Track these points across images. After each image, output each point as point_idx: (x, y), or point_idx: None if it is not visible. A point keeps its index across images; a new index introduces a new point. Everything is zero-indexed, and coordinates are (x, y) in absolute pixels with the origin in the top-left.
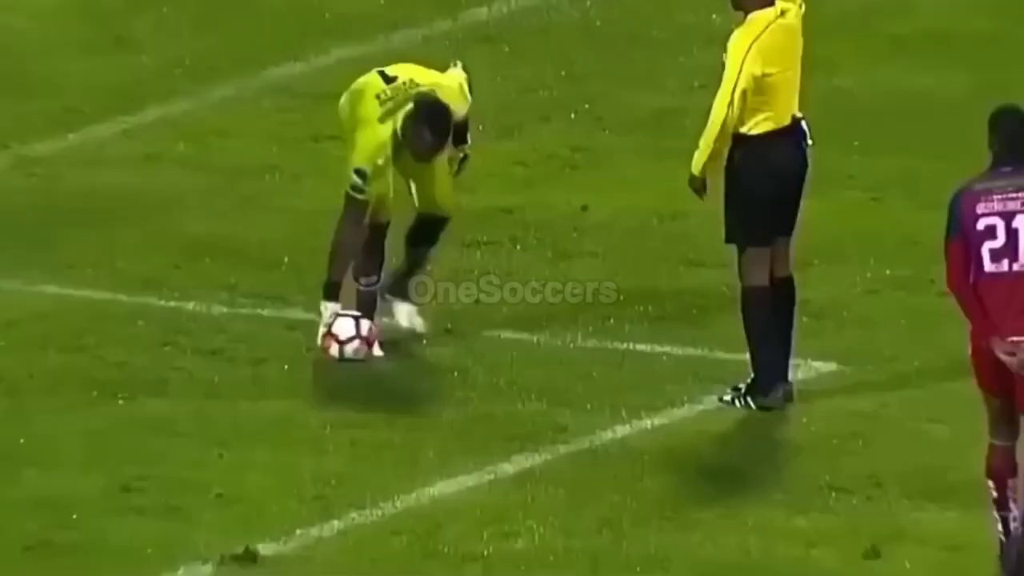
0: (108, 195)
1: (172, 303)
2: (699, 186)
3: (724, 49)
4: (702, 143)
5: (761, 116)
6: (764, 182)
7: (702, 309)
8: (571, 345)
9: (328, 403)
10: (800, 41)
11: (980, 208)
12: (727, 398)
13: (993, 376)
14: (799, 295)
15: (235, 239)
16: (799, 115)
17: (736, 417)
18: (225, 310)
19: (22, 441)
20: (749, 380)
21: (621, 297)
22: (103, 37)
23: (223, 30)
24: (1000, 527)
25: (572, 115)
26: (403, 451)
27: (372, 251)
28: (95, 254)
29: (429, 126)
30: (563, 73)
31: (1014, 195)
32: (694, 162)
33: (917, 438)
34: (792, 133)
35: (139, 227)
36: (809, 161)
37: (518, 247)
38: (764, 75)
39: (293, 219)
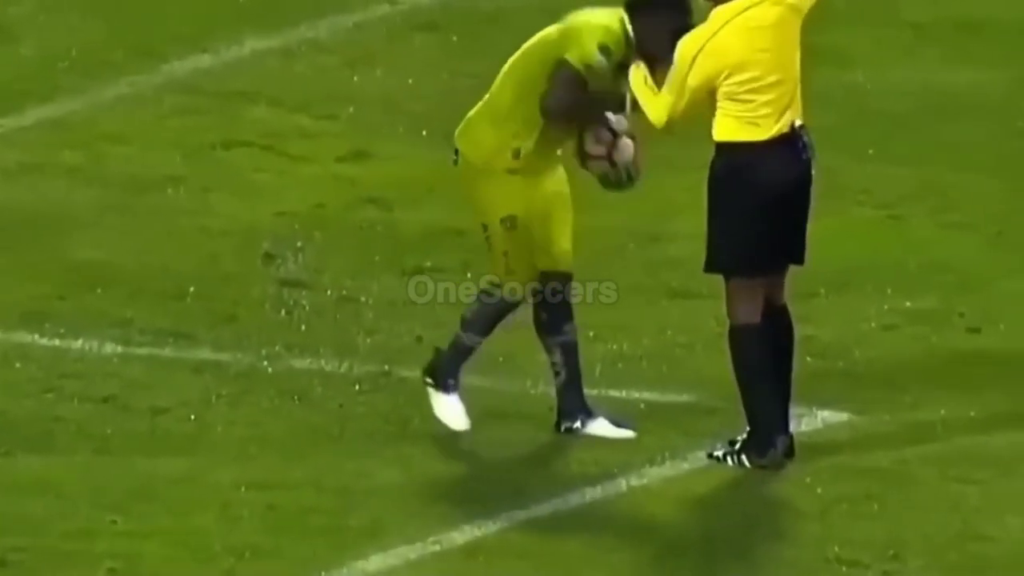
0: None
1: (56, 341)
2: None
3: None
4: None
5: (745, 125)
6: (750, 198)
7: (687, 348)
8: (531, 391)
9: (241, 460)
10: (791, 34)
11: None
12: (717, 454)
13: None
14: (803, 331)
15: (131, 265)
16: (798, 123)
17: (727, 477)
18: (119, 349)
19: None
20: (744, 434)
21: (591, 333)
22: None
23: (116, 16)
24: None
25: None
26: (331, 517)
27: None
28: None
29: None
30: None
31: None
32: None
33: (943, 501)
34: (789, 143)
35: (16, 250)
36: (813, 176)
37: (469, 275)
38: (739, 82)
39: (200, 241)
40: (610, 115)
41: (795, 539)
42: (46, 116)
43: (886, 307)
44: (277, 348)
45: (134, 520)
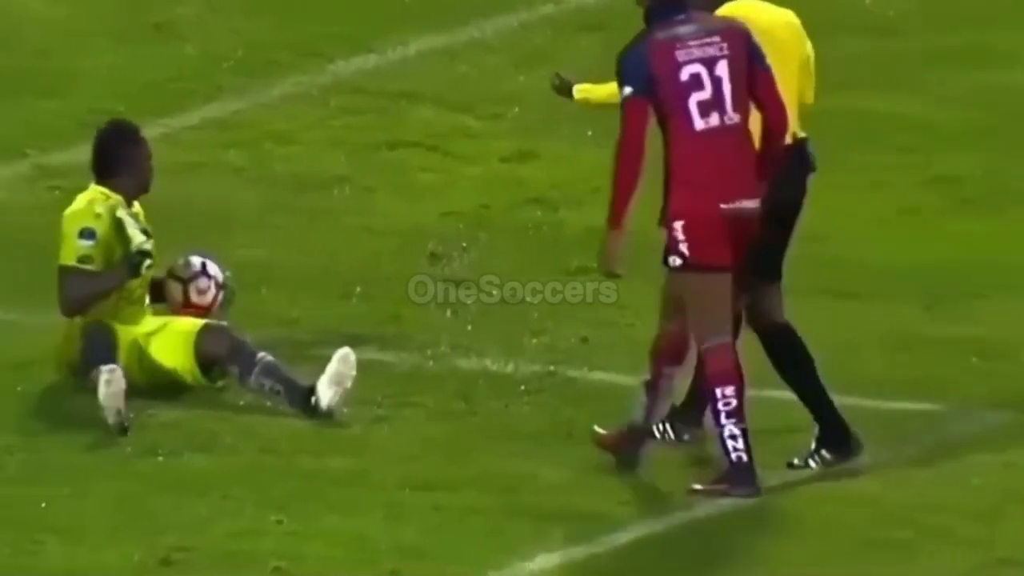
0: (145, 212)
1: None
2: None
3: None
4: None
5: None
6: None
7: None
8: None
9: (406, 460)
10: (784, 47)
11: (680, 55)
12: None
13: (723, 245)
14: (969, 332)
15: (295, 265)
16: (801, 135)
17: (877, 477)
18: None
19: (43, 505)
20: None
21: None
22: (138, 24)
23: (282, 16)
24: (740, 443)
25: None
26: (496, 518)
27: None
28: None
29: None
30: None
31: (708, 40)
32: None
33: None
34: (788, 157)
35: (181, 249)
36: (807, 192)
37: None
38: None
39: (365, 241)
40: (206, 262)
41: (960, 540)
42: (211, 116)
43: None
44: (442, 348)
45: (299, 520)
